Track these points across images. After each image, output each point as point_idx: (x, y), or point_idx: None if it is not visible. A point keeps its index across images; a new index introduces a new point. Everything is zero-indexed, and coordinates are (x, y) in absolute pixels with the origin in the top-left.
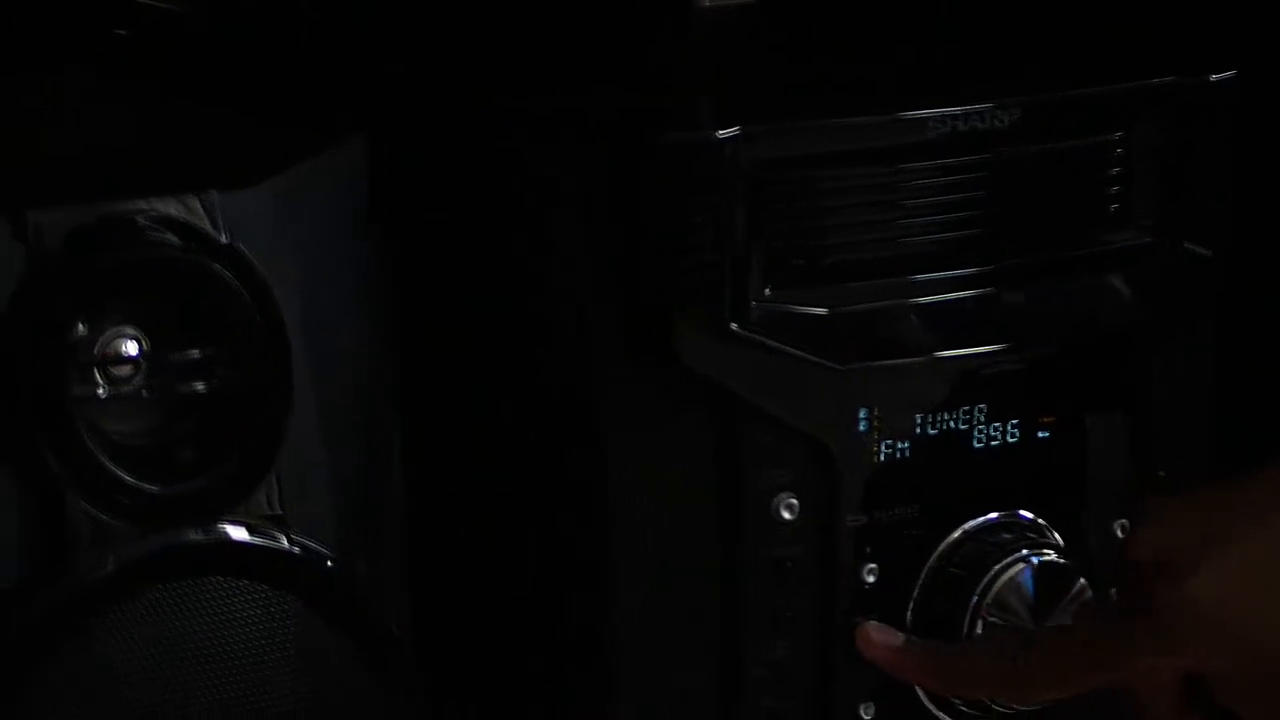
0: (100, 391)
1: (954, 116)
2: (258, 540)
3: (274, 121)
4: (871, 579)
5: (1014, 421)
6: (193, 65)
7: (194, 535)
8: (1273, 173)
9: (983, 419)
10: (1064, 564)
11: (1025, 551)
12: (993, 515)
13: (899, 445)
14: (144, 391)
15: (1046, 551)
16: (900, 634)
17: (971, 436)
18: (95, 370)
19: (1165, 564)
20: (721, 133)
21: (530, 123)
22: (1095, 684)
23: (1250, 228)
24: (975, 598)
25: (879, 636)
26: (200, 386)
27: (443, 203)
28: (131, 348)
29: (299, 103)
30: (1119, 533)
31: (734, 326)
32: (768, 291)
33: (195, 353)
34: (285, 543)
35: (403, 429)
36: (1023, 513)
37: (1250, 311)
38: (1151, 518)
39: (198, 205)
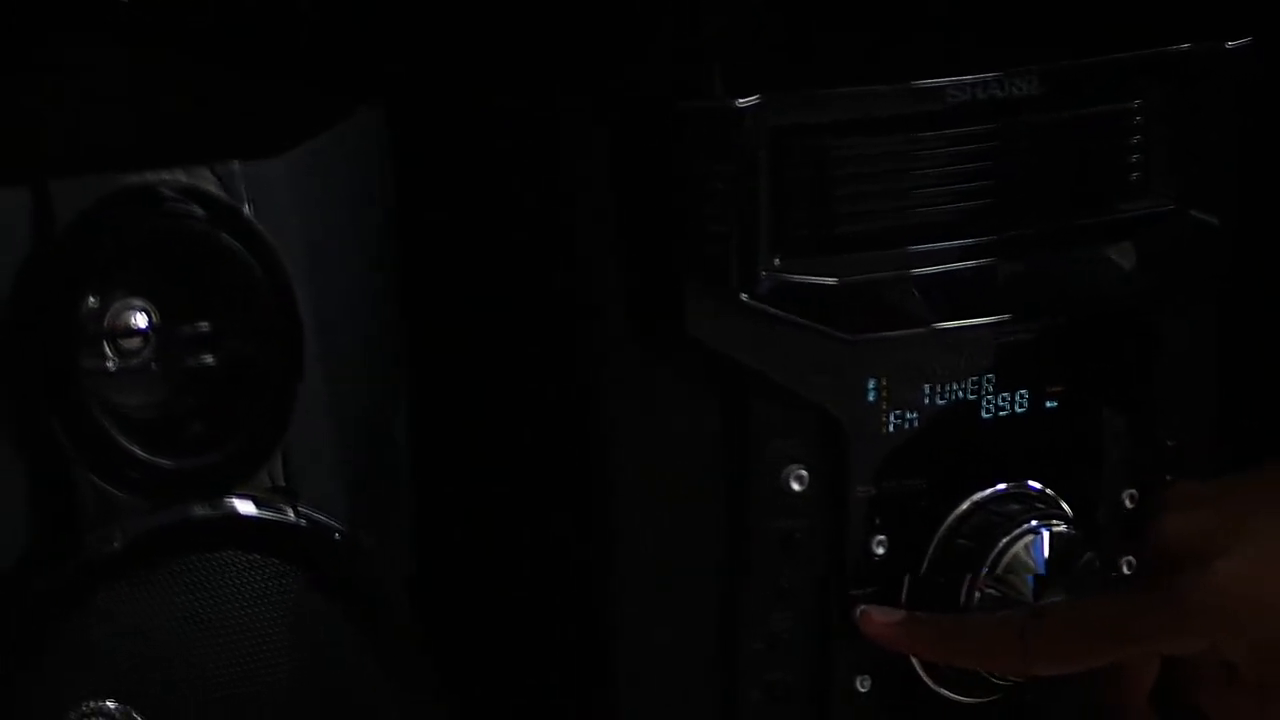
0: (109, 364)
1: (970, 85)
2: (267, 514)
3: (288, 91)
4: (881, 551)
5: (1022, 392)
6: (202, 30)
7: (204, 509)
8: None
9: (991, 389)
10: (1073, 534)
11: (1035, 522)
12: (1001, 486)
13: (907, 416)
14: (153, 364)
15: (1055, 522)
16: (900, 610)
17: (980, 406)
18: (104, 343)
19: (1192, 548)
20: (740, 101)
21: (540, 93)
22: (1101, 661)
23: (1257, 198)
24: (985, 568)
25: (880, 615)
26: (210, 359)
27: (451, 175)
28: (141, 320)
29: (314, 72)
30: (1128, 503)
31: (743, 297)
32: (777, 262)
33: (205, 325)
34: (294, 516)
35: (411, 403)
36: (1031, 483)
37: (1252, 284)
38: (1179, 503)
39: (211, 176)
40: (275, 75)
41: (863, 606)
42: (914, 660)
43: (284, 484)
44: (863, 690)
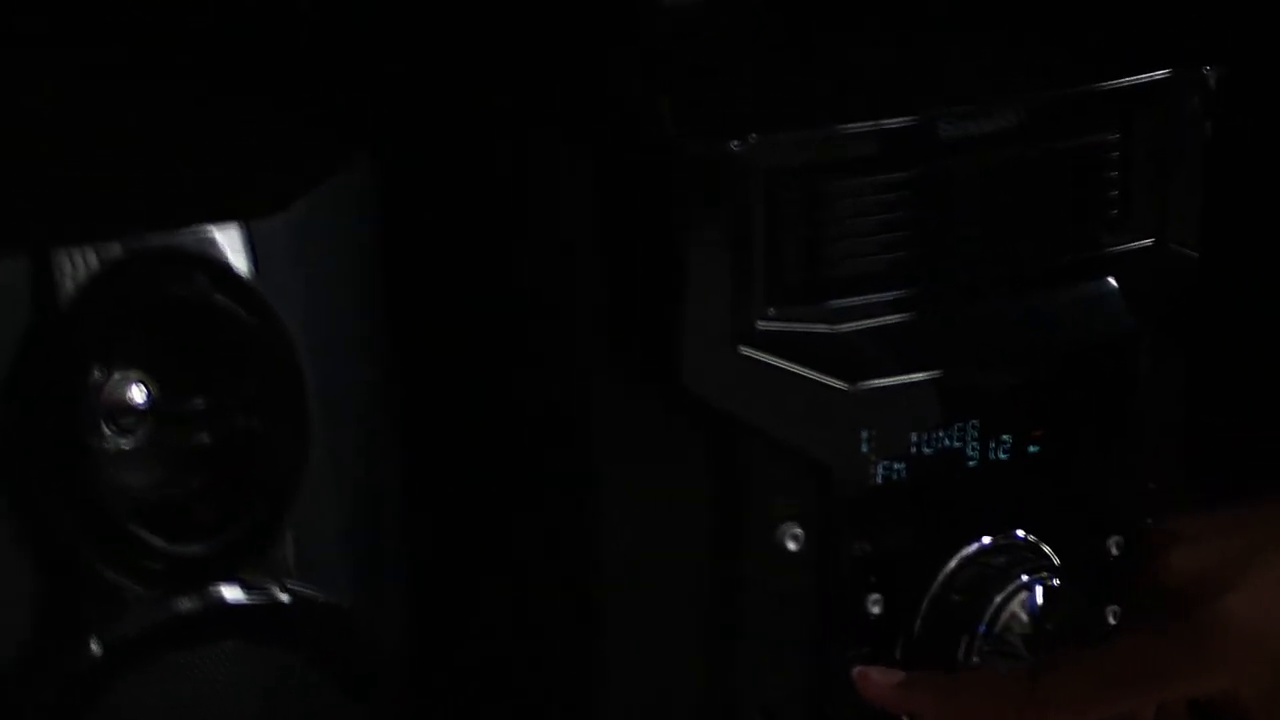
0: (108, 444)
1: (957, 120)
2: (277, 598)
3: (284, 135)
4: (876, 610)
5: (1006, 438)
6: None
7: (205, 600)
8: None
9: (976, 436)
10: (1065, 587)
11: (1027, 577)
12: (989, 539)
13: (896, 467)
14: (152, 443)
15: (1046, 574)
16: (899, 671)
17: (965, 455)
18: (103, 420)
19: (1202, 583)
20: (732, 144)
21: (531, 132)
22: (1120, 707)
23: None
24: (982, 626)
25: (879, 676)
26: (211, 436)
27: (441, 220)
28: (139, 395)
29: (304, 124)
30: (1114, 550)
31: (736, 346)
32: (771, 310)
33: (203, 400)
34: (303, 599)
35: (408, 466)
36: (1019, 533)
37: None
38: (1184, 536)
39: (215, 239)
40: (270, 95)
41: (859, 667)
42: None
43: (292, 564)
44: None
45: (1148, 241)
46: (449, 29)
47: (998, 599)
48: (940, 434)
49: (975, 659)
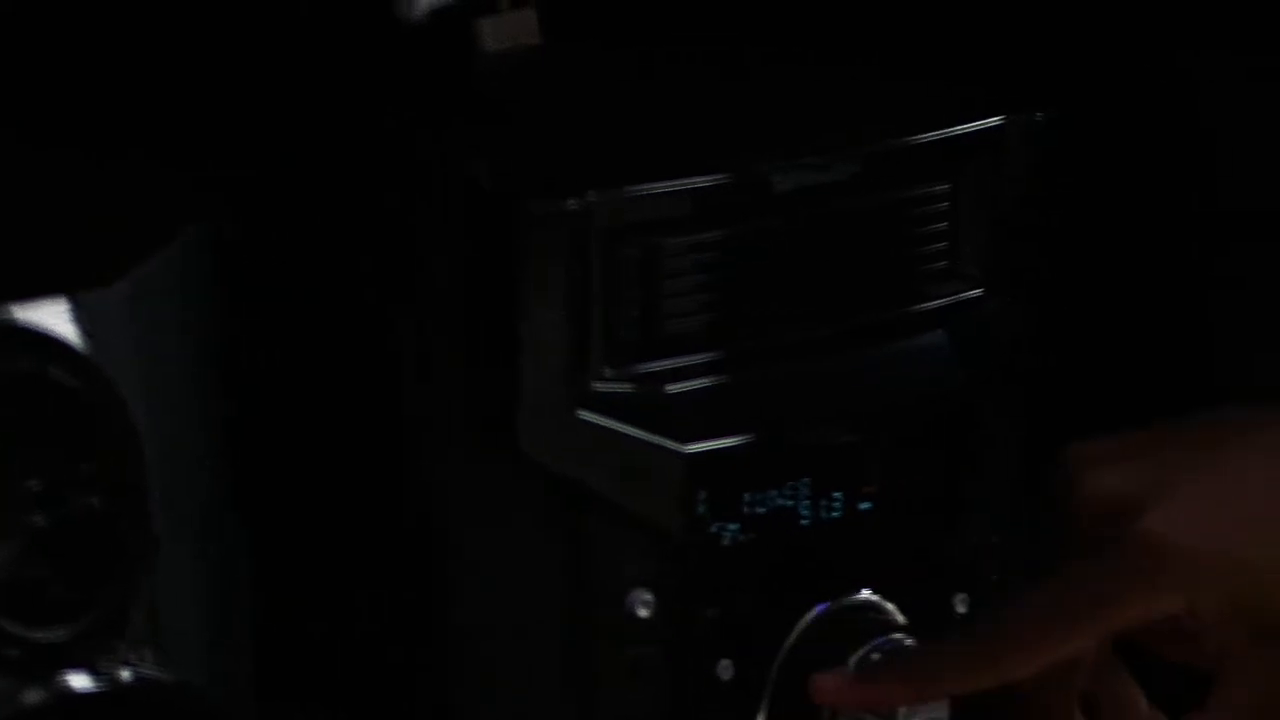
0: None
1: (789, 172)
2: (127, 681)
3: (117, 213)
4: (727, 676)
5: (836, 495)
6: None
7: (62, 683)
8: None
9: (807, 494)
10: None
11: (876, 639)
12: (835, 599)
13: (732, 528)
14: None
15: (895, 635)
16: (847, 671)
17: (798, 514)
18: None
19: (1128, 502)
20: (570, 202)
21: (370, 194)
22: (1073, 643)
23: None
24: None
25: (829, 683)
26: (49, 518)
27: (283, 287)
28: None
29: (142, 190)
30: (959, 607)
31: (574, 409)
32: (608, 370)
33: (39, 480)
34: (152, 681)
35: (255, 541)
36: (865, 593)
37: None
38: (1101, 459)
39: (48, 312)
40: (106, 160)
41: (815, 680)
42: None
43: (143, 645)
44: None
45: (976, 292)
46: (284, 92)
47: (851, 661)
48: (773, 493)
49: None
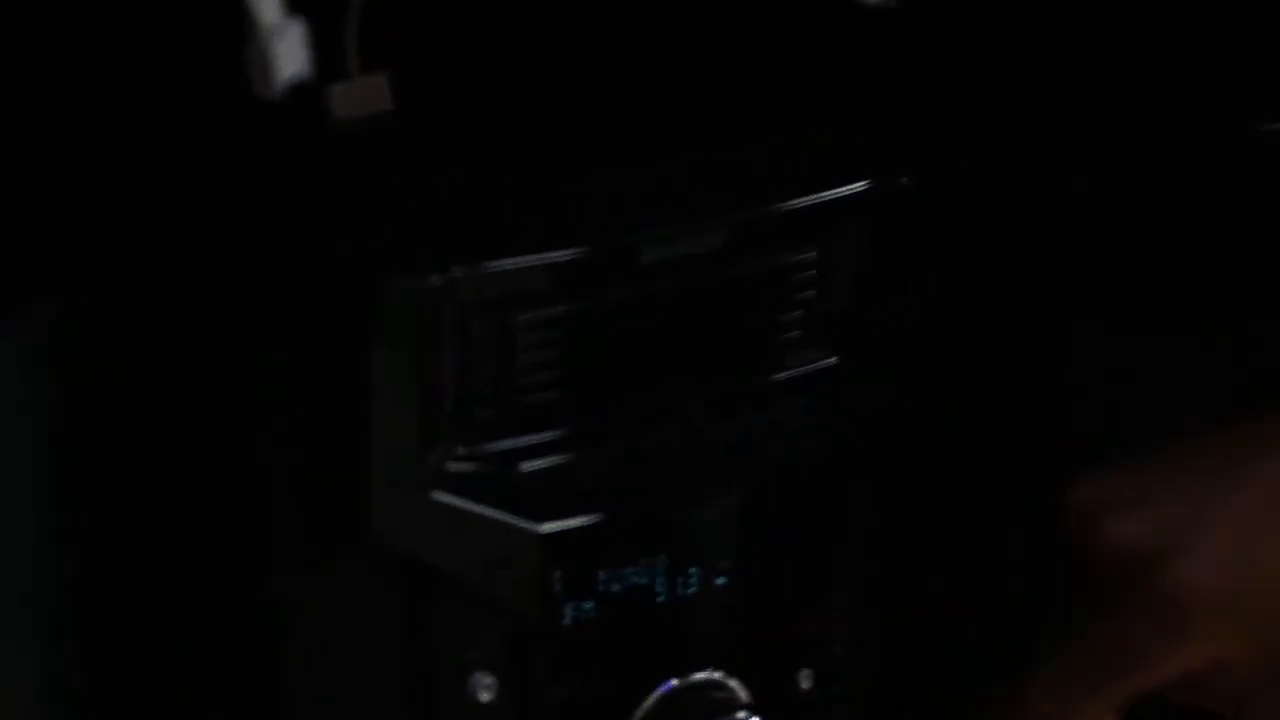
0: None
1: (652, 245)
2: None
3: None
4: None
5: (693, 571)
6: None
7: None
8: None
9: (663, 571)
10: None
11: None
12: (682, 678)
13: (585, 607)
14: None
15: (738, 712)
16: None
17: (654, 591)
18: None
19: (1148, 550)
20: (425, 280)
21: (222, 274)
22: (1106, 704)
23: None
24: None
25: None
26: None
27: (122, 375)
28: None
29: None
30: (804, 683)
31: (428, 490)
32: (461, 449)
33: None
34: None
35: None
36: (711, 671)
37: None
38: (1113, 502)
39: None
40: None
41: None
42: None
43: None
44: None
45: (831, 360)
46: (136, 173)
47: None
48: (629, 571)
49: None
